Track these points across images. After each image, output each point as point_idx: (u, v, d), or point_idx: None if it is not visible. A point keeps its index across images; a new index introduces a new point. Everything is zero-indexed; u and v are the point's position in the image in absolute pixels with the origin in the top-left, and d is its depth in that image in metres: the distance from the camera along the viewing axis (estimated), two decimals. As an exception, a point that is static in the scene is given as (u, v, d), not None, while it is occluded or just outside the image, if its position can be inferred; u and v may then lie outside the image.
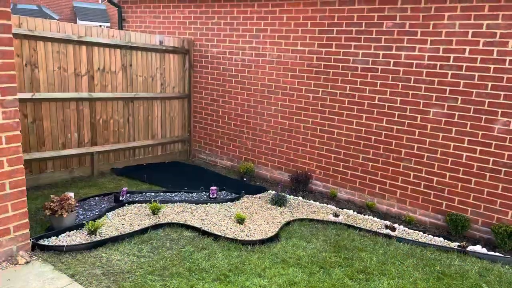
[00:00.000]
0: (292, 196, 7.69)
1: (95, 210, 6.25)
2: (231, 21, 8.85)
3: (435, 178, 6.81)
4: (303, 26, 7.81)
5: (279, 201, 7.16)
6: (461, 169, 6.55)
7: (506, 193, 6.22)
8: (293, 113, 8.24)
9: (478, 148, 6.36)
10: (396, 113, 7.01)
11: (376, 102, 7.19)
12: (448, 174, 6.68)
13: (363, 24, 7.13)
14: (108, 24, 33.29)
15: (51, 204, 5.36)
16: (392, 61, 6.92)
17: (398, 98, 6.95)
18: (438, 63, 6.50)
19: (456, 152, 6.56)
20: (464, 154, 6.49)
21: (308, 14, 7.71)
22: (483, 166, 6.37)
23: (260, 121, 8.77)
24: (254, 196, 7.61)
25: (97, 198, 6.76)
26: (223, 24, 9.00)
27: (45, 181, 7.33)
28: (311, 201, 7.55)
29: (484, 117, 6.25)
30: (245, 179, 8.63)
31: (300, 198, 7.68)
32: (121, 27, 11.12)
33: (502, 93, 6.05)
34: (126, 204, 6.50)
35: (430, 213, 6.94)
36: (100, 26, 30.81)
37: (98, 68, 7.83)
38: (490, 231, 6.35)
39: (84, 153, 7.87)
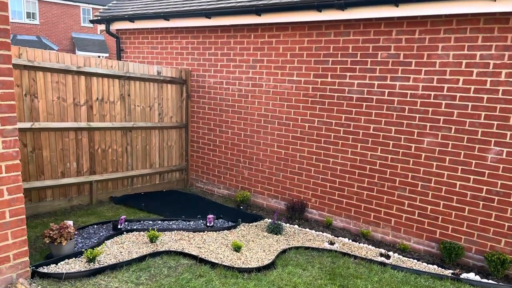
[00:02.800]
0: (288, 224, 7.74)
1: (94, 238, 6.28)
2: (228, 51, 9.02)
3: (429, 207, 6.88)
4: (299, 56, 7.97)
5: (275, 229, 7.21)
6: (455, 197, 6.63)
7: (499, 221, 6.29)
8: (289, 143, 8.35)
9: (472, 177, 6.46)
10: (391, 142, 7.12)
11: (371, 131, 7.30)
12: (442, 202, 6.76)
13: (358, 55, 7.28)
14: (107, 55, 33.66)
15: (50, 232, 5.40)
16: (386, 91, 7.06)
17: (393, 128, 7.07)
18: (432, 93, 6.63)
19: (450, 180, 6.65)
20: (458, 182, 6.58)
21: (304, 45, 7.88)
22: (477, 195, 6.45)
23: (257, 150, 8.87)
24: (251, 224, 7.65)
25: (95, 226, 6.79)
26: (220, 55, 9.17)
27: (44, 209, 7.37)
28: (307, 229, 7.59)
29: (477, 146, 6.36)
30: (241, 207, 8.68)
31: (296, 226, 7.73)
32: (119, 58, 11.30)
33: (495, 122, 6.17)
34: (125, 232, 6.52)
35: (424, 241, 6.99)
36: (99, 56, 31.14)
37: (97, 98, 7.95)
38: (483, 259, 6.41)
39: (83, 182, 7.93)
